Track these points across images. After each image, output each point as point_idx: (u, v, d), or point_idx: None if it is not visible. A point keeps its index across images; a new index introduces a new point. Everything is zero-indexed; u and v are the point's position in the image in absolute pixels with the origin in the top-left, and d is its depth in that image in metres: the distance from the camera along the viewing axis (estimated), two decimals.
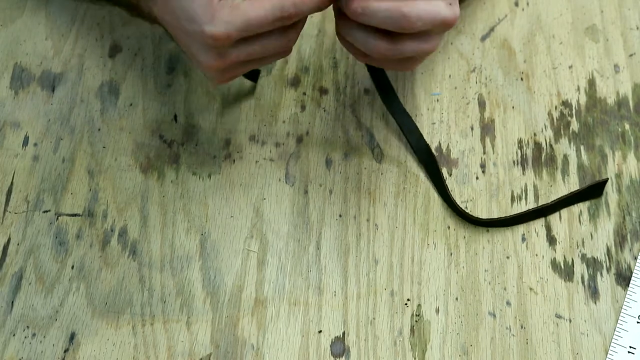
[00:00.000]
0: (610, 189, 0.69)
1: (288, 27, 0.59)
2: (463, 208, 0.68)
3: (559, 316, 0.64)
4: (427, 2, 0.56)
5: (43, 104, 0.74)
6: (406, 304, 0.65)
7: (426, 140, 0.71)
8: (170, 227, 0.68)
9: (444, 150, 0.71)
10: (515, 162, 0.71)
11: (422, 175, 0.70)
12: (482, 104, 0.74)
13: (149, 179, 0.70)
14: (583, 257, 0.67)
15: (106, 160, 0.71)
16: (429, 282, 0.66)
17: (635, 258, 0.66)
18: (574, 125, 0.72)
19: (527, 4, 0.78)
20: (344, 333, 0.64)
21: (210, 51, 0.58)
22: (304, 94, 0.74)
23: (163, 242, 0.68)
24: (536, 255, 0.67)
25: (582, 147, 0.71)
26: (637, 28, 0.77)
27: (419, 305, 0.65)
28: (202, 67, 0.60)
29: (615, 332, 0.63)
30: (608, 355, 0.63)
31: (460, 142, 0.72)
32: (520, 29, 0.77)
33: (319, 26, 0.77)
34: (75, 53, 0.76)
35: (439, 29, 0.58)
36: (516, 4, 0.78)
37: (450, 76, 0.75)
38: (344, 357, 0.63)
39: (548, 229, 0.68)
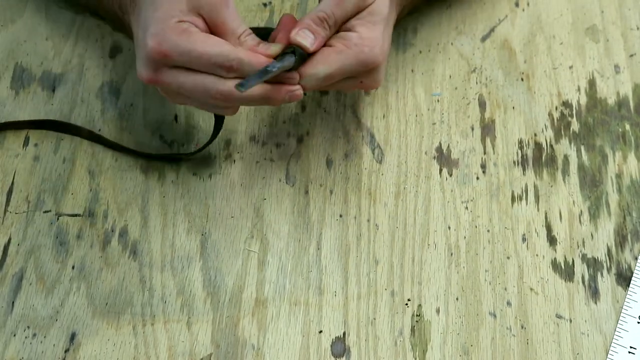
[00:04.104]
0: (610, 189, 0.69)
1: (225, 95, 0.60)
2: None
3: (559, 316, 0.64)
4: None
5: (44, 104, 0.74)
6: (407, 304, 0.65)
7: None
8: (170, 228, 0.68)
9: (444, 151, 0.71)
10: (516, 162, 0.71)
11: (422, 175, 0.70)
12: (482, 105, 0.74)
13: (149, 179, 0.70)
14: (583, 257, 0.67)
15: (107, 161, 0.71)
16: (429, 282, 0.66)
17: (636, 258, 0.66)
18: (575, 126, 0.72)
19: (528, 4, 0.78)
20: (344, 333, 0.64)
21: (146, 61, 0.61)
22: (305, 94, 0.74)
23: (164, 243, 0.68)
24: (536, 255, 0.67)
25: (582, 148, 0.71)
26: (638, 28, 0.77)
27: (420, 305, 0.65)
28: (138, 74, 0.62)
29: (616, 332, 0.63)
30: (608, 356, 0.62)
31: (460, 142, 0.72)
32: (521, 29, 0.77)
33: None
34: (76, 53, 0.76)
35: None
36: (516, 5, 0.78)
37: (450, 76, 0.75)
38: (344, 357, 0.63)
39: (548, 229, 0.68)
